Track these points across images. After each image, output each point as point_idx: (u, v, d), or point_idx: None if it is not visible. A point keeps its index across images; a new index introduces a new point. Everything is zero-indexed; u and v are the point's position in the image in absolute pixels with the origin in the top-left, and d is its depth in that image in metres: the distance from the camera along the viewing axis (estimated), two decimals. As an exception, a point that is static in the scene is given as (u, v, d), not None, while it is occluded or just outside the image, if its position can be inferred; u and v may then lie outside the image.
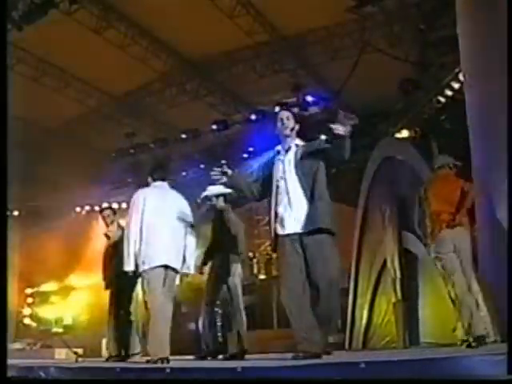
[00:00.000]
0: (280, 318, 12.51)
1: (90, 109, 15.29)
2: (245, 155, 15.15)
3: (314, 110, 13.51)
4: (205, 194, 6.98)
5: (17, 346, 15.57)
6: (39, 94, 14.05)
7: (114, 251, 7.07)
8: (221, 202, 6.91)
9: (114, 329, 7.34)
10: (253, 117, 14.06)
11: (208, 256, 6.91)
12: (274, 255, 15.42)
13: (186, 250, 5.81)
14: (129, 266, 5.56)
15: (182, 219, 5.83)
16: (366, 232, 8.64)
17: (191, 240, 5.87)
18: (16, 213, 17.63)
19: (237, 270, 6.69)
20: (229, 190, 6.54)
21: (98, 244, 16.60)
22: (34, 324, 17.59)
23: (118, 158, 15.88)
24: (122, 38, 12.65)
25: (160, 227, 5.63)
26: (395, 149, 9.64)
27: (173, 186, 6.17)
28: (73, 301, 17.54)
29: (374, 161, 9.33)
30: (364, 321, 8.21)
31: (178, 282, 5.95)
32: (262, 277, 15.55)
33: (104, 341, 13.28)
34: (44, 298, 17.46)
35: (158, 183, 6.05)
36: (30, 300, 17.81)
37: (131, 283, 6.73)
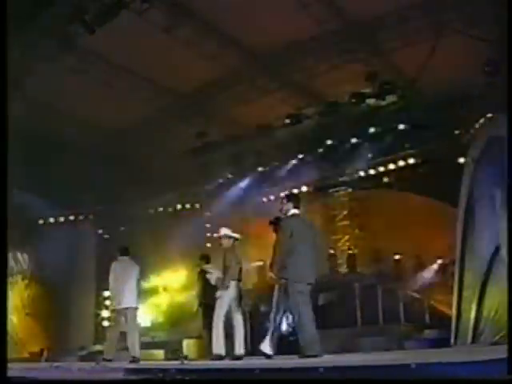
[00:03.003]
0: (364, 314, 12.09)
1: (160, 109, 15.26)
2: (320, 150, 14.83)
3: (390, 98, 13.01)
4: (215, 235, 9.64)
5: (97, 348, 15.74)
6: (111, 97, 14.16)
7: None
8: (225, 242, 8.82)
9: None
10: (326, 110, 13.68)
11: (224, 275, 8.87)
12: (356, 250, 15.17)
13: (138, 295, 9.65)
14: (114, 307, 9.52)
15: (134, 277, 9.57)
16: (472, 220, 8.09)
17: (138, 290, 9.73)
18: (91, 216, 17.84)
19: (236, 287, 8.60)
20: (234, 235, 8.83)
21: (171, 244, 16.69)
22: (113, 326, 17.70)
23: (190, 157, 15.80)
24: (191, 36, 12.50)
25: (120, 283, 9.39)
26: (502, 127, 8.82)
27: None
28: (151, 302, 17.60)
29: (477, 144, 8.69)
30: (472, 314, 7.67)
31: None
32: (344, 271, 15.24)
33: (185, 342, 13.28)
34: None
35: (121, 258, 9.72)
36: (108, 302, 17.92)
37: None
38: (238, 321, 8.53)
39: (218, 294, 8.63)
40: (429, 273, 13.71)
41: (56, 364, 7.28)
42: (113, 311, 9.73)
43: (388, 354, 5.91)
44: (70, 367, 6.38)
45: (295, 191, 16.45)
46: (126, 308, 9.40)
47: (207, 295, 9.99)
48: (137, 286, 9.69)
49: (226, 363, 6.93)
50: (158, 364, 7.18)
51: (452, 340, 7.74)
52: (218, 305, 8.54)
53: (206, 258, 10.98)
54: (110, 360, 8.99)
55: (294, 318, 6.97)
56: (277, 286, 7.62)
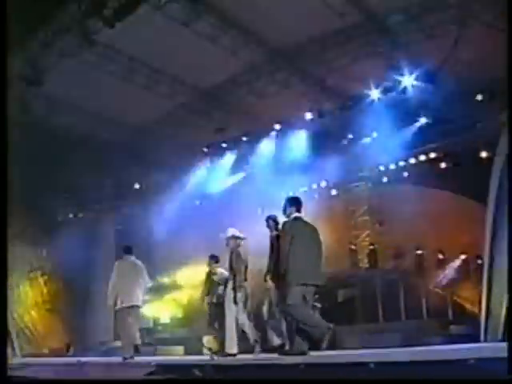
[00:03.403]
0: (386, 310, 11.98)
1: (179, 105, 15.20)
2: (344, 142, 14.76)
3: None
4: (221, 235, 9.29)
5: (118, 343, 15.75)
6: (129, 93, 14.11)
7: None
8: (231, 243, 8.86)
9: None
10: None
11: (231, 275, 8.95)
12: (377, 246, 15.03)
13: (143, 293, 9.87)
14: (109, 302, 9.57)
15: (140, 276, 9.74)
16: (502, 215, 7.93)
17: (144, 288, 9.87)
18: (111, 212, 17.84)
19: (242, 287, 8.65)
20: (240, 235, 8.88)
21: (190, 237, 16.62)
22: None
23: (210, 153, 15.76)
24: (210, 31, 12.41)
25: (127, 282, 9.54)
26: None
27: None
28: (171, 298, 17.60)
29: (507, 138, 8.52)
30: (503, 310, 7.55)
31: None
32: (365, 266, 15.11)
33: (205, 338, 13.20)
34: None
35: (126, 256, 9.94)
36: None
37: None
38: (244, 320, 8.53)
39: (228, 295, 8.70)
40: (451, 268, 13.55)
41: (84, 359, 7.25)
42: (119, 310, 9.70)
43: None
44: (98, 363, 6.34)
45: (314, 187, 16.46)
46: (132, 306, 9.62)
47: (213, 295, 10.32)
48: (142, 285, 9.91)
49: (268, 357, 6.92)
50: (192, 360, 7.10)
51: (482, 336, 7.61)
52: (228, 306, 8.63)
53: (215, 258, 10.97)
54: (131, 357, 9.08)
55: (294, 318, 6.85)
56: (272, 287, 7.67)
